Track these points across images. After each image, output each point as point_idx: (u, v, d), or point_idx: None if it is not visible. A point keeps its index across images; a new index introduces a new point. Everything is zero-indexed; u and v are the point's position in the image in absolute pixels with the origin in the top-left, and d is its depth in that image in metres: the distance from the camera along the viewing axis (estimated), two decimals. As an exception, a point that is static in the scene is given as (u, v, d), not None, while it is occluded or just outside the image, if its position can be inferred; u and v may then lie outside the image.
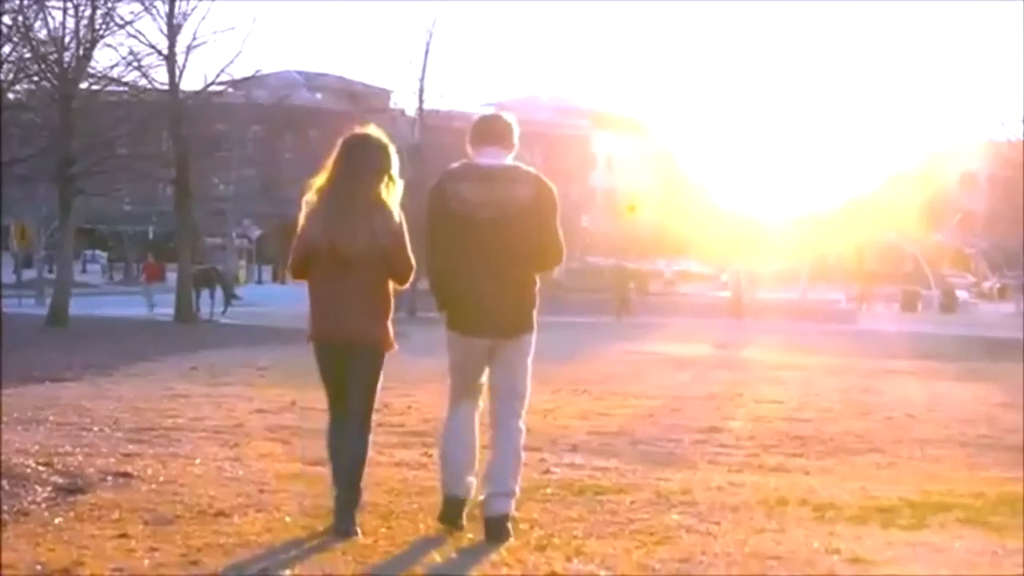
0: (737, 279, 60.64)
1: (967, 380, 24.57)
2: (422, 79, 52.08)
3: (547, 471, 11.12)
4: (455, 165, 8.26)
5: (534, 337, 8.33)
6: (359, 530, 7.99)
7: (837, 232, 69.39)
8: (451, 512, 8.19)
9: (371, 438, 8.34)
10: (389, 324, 8.23)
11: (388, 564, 7.27)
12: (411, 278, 8.22)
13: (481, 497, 8.13)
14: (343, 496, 8.09)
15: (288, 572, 6.98)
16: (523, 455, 8.35)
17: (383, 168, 8.11)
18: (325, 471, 9.78)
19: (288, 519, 8.50)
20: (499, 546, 7.73)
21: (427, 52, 51.95)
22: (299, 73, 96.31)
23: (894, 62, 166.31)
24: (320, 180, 8.14)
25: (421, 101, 52.60)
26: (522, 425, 8.29)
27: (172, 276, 48.61)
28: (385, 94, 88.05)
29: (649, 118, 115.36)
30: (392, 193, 8.14)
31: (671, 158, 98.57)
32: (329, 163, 8.15)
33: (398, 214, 8.11)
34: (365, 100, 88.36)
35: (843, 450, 13.68)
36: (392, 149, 8.20)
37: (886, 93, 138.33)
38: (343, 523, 7.98)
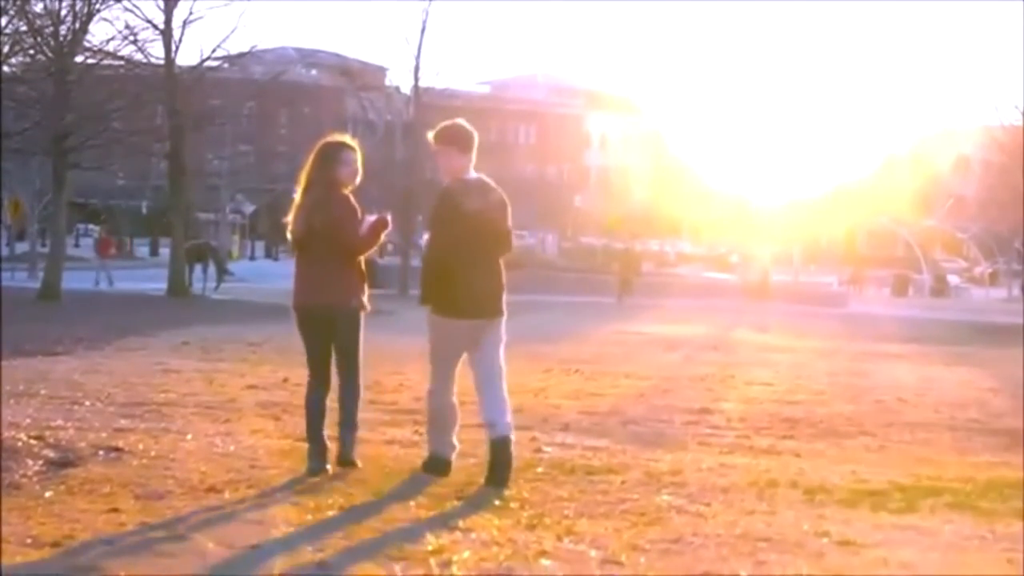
0: (764, 262, 60.74)
1: (957, 364, 24.61)
2: (418, 57, 52.05)
3: (538, 450, 11.14)
4: (456, 182, 9.53)
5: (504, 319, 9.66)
6: (358, 461, 9.59)
7: (830, 216, 69.46)
8: (438, 467, 9.51)
9: (360, 389, 9.82)
10: (355, 287, 9.66)
11: (378, 542, 7.28)
12: (361, 248, 9.66)
13: (489, 434, 9.42)
14: (344, 434, 9.64)
15: (279, 548, 6.99)
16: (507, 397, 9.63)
17: (333, 167, 9.68)
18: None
19: (279, 495, 8.53)
20: (503, 472, 9.11)
21: (423, 30, 51.91)
22: (295, 49, 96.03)
23: (888, 46, 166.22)
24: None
25: (416, 79, 52.58)
26: (504, 381, 9.59)
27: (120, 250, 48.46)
28: (381, 71, 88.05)
29: (644, 98, 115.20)
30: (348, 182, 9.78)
31: (665, 139, 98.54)
32: (306, 166, 9.81)
33: (347, 201, 9.63)
34: (360, 77, 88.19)
35: (833, 433, 13.70)
36: (349, 152, 9.79)
37: (880, 76, 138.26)
38: (316, 466, 9.39)
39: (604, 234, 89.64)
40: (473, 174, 9.59)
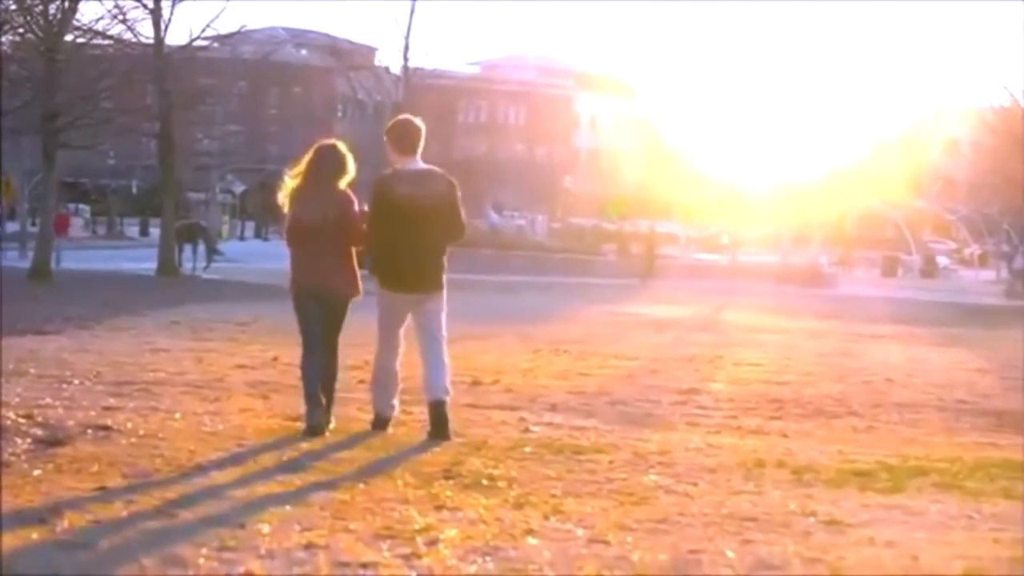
0: (816, 247, 60.74)
1: (946, 345, 24.65)
2: (407, 37, 51.91)
3: (526, 430, 11.18)
4: (388, 172, 10.76)
5: (445, 292, 10.78)
6: (333, 422, 10.50)
7: (820, 198, 69.50)
8: (381, 424, 10.74)
9: (338, 361, 10.80)
10: (350, 275, 10.65)
11: (365, 521, 7.29)
12: (363, 238, 10.61)
13: (426, 398, 10.67)
14: (320, 403, 10.38)
15: (266, 527, 7.00)
16: (448, 362, 10.78)
17: (340, 169, 10.62)
18: (304, 425, 10.01)
19: (267, 473, 8.54)
20: (441, 428, 10.35)
21: (413, 10, 51.78)
22: (284, 29, 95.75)
23: (878, 29, 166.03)
24: (298, 174, 10.71)
25: (406, 59, 52.43)
26: (445, 347, 10.76)
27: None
28: (370, 52, 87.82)
29: (634, 80, 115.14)
30: (346, 183, 10.72)
31: (655, 121, 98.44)
32: (304, 162, 10.68)
33: (349, 196, 10.61)
34: (350, 57, 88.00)
35: (821, 413, 13.74)
36: (350, 158, 10.69)
37: (870, 60, 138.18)
38: (317, 422, 10.28)
39: (595, 215, 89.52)
40: (420, 165, 10.72)
